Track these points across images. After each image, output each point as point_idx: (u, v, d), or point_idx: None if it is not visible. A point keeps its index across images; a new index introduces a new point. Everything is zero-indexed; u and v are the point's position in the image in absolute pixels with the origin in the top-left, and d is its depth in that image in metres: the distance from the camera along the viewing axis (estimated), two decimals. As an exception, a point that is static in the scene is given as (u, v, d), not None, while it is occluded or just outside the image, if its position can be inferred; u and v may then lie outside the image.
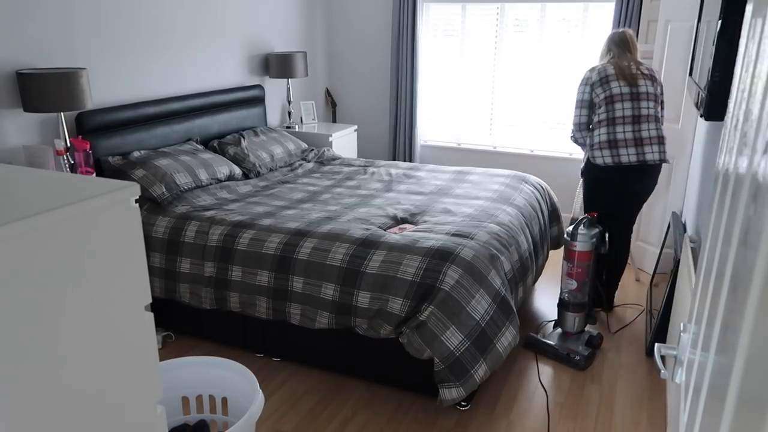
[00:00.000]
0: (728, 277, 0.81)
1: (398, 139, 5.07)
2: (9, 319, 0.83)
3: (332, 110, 5.30)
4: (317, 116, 5.16)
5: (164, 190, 3.09)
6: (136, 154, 3.26)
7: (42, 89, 2.68)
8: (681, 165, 3.58)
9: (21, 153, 2.87)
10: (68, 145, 2.89)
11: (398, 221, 2.96)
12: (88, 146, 2.88)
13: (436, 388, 2.42)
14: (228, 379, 2.10)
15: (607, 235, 3.06)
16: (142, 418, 1.10)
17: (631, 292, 3.64)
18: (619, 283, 3.43)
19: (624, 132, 2.93)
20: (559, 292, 3.02)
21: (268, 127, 4.27)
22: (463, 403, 2.53)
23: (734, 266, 0.77)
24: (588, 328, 3.09)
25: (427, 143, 5.12)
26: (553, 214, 3.60)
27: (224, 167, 3.51)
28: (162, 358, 2.83)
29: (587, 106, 3.07)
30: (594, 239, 2.87)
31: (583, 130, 3.12)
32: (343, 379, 2.75)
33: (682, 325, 1.27)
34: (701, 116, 1.93)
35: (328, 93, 5.33)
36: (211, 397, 2.49)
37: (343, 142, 4.68)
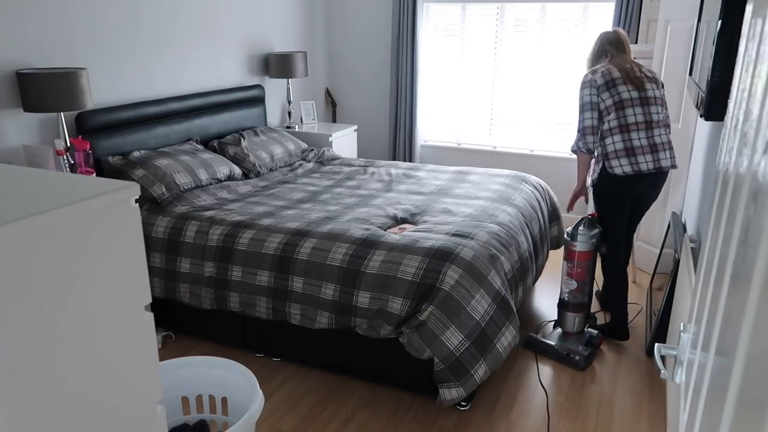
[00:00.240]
0: (728, 277, 0.81)
1: (398, 139, 5.07)
2: (9, 318, 0.83)
3: (332, 110, 5.30)
4: (317, 116, 5.16)
5: (164, 190, 3.09)
6: (136, 154, 3.26)
7: (42, 89, 2.68)
8: (681, 165, 3.58)
9: (21, 153, 2.87)
10: (68, 145, 2.89)
11: (398, 221, 2.96)
12: (88, 146, 2.88)
13: (436, 388, 2.42)
14: (228, 379, 2.10)
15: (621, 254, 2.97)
16: (142, 418, 1.10)
17: (631, 292, 3.64)
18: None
19: (639, 138, 2.78)
20: (559, 292, 3.03)
21: (268, 127, 4.27)
22: (463, 403, 2.53)
23: (734, 266, 0.77)
24: (587, 328, 3.09)
25: (427, 143, 5.12)
26: (553, 214, 3.60)
27: (224, 167, 3.51)
28: (162, 358, 2.83)
29: (596, 108, 2.85)
30: (594, 239, 2.87)
31: (593, 135, 2.87)
32: (343, 379, 2.75)
33: (682, 325, 1.27)
34: (701, 116, 1.93)
35: (328, 93, 5.33)
36: (211, 397, 2.49)
37: (343, 142, 4.68)
